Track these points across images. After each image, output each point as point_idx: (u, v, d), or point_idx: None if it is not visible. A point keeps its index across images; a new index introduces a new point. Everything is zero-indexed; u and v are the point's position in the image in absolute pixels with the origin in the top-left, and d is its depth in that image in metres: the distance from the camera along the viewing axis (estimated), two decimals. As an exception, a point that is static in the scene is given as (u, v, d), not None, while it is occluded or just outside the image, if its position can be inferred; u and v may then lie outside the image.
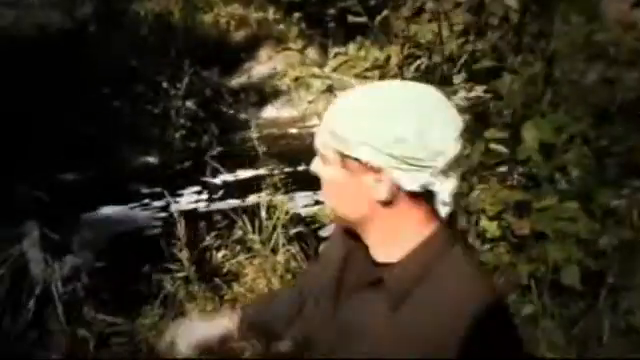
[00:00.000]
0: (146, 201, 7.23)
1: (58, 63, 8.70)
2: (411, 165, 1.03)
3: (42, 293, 3.48)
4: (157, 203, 7.03)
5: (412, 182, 1.04)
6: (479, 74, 3.21)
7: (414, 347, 1.02)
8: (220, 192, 7.22)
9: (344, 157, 1.08)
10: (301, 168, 7.21)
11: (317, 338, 1.24)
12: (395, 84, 1.15)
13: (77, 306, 3.21)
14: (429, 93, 1.09)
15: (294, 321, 1.43)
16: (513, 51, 3.22)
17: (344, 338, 1.14)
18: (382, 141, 1.03)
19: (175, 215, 3.58)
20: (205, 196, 7.22)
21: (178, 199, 7.04)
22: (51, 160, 7.37)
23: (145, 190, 7.49)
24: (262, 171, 3.93)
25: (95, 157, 7.85)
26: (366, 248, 1.16)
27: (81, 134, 7.86)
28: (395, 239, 1.10)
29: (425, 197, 1.08)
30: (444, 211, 1.10)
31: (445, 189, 1.07)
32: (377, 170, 1.05)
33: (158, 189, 7.53)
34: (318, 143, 1.14)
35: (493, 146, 3.03)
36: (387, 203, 1.08)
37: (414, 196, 1.07)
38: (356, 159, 1.06)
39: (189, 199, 7.13)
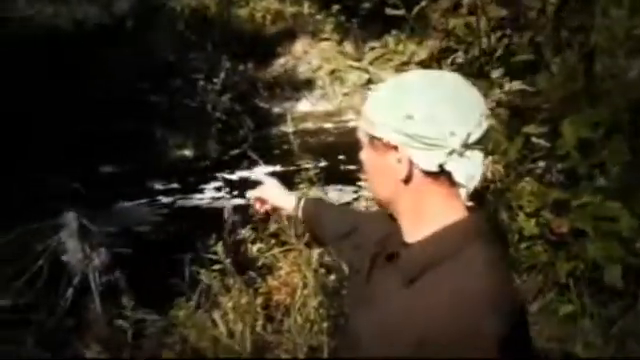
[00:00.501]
0: (181, 193, 7.30)
1: (96, 58, 8.84)
2: (424, 144, 1.08)
3: (80, 283, 3.54)
4: (192, 195, 7.10)
5: (427, 161, 1.09)
6: (517, 68, 3.15)
7: (416, 326, 1.03)
8: (255, 186, 7.25)
9: (372, 138, 1.17)
10: (336, 162, 7.22)
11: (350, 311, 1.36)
12: (418, 71, 1.23)
13: (115, 297, 3.25)
14: (447, 77, 1.16)
15: (336, 242, 1.65)
16: (551, 45, 3.16)
17: (364, 307, 1.22)
18: (396, 119, 1.10)
19: (210, 207, 3.59)
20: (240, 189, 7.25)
21: (213, 192, 7.08)
22: (90, 152, 7.49)
23: (180, 183, 7.58)
24: (297, 165, 3.91)
25: (133, 150, 7.95)
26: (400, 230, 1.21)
27: (119, 128, 7.97)
28: (420, 220, 1.14)
29: (449, 180, 1.11)
30: (463, 193, 1.13)
31: (462, 170, 1.10)
32: (396, 148, 1.11)
33: (193, 181, 7.63)
34: (359, 129, 1.23)
35: (535, 140, 2.98)
36: (408, 182, 1.13)
37: (435, 177, 1.11)
38: (379, 138, 1.14)
39: (224, 193, 7.18)
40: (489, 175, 3.14)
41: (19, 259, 3.80)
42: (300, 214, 1.83)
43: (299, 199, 1.86)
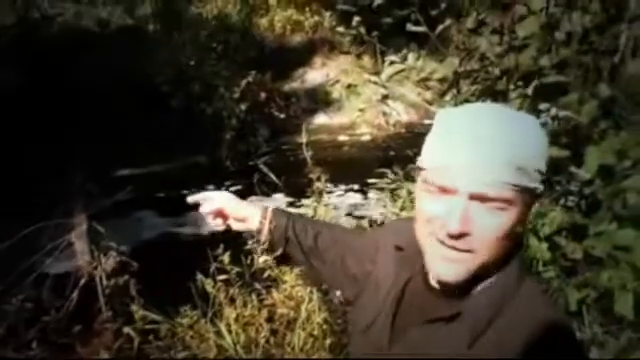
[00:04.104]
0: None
1: (117, 58, 8.90)
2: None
3: (86, 286, 3.51)
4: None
5: None
6: (542, 90, 3.10)
7: None
8: (265, 196, 7.25)
9: (523, 192, 0.97)
10: (348, 176, 7.18)
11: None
12: (500, 107, 1.07)
13: (121, 301, 3.22)
14: None
15: (318, 267, 1.48)
16: (577, 68, 3.11)
17: None
18: (542, 160, 1.00)
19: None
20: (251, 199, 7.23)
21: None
22: (106, 156, 7.51)
23: (193, 189, 7.57)
24: (309, 177, 3.87)
25: (150, 154, 7.97)
26: (424, 274, 1.13)
27: (137, 131, 8.00)
28: (491, 271, 1.04)
29: None
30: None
31: None
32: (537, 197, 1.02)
33: (205, 189, 7.61)
34: (481, 187, 0.96)
35: (575, 170, 2.91)
36: None
37: None
38: (533, 189, 0.99)
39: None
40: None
41: (29, 257, 3.79)
42: (270, 225, 1.54)
43: (265, 208, 1.58)
